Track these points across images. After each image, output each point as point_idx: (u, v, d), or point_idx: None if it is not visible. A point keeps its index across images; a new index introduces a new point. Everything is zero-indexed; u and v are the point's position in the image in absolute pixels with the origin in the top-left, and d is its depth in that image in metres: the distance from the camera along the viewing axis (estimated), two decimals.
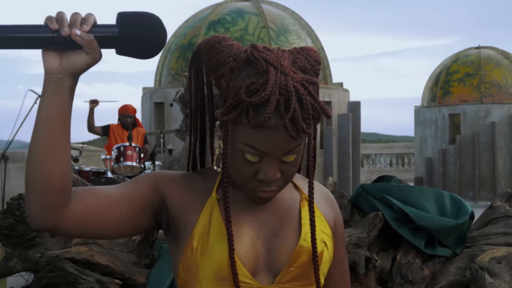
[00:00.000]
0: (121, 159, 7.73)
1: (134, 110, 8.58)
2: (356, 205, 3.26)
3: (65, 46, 1.17)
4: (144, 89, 13.29)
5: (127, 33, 1.17)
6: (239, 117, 1.20)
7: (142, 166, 7.81)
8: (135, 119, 8.60)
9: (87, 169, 7.93)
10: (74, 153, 8.66)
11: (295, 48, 1.30)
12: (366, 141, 32.28)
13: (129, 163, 7.73)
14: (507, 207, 3.27)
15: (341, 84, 13.08)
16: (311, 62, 1.28)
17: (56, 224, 1.22)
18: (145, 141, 8.56)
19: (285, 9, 13.19)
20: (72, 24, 1.16)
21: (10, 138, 7.28)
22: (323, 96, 11.89)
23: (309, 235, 1.31)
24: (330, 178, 3.34)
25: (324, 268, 1.35)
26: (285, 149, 1.22)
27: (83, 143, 9.27)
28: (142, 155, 7.92)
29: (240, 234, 1.29)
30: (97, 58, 1.19)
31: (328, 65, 12.76)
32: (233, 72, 1.23)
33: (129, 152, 7.74)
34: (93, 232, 1.28)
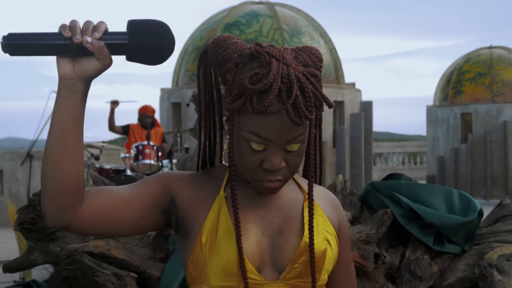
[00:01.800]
0: (140, 157, 7.82)
1: (153, 111, 8.72)
2: (366, 202, 3.26)
3: (77, 52, 1.21)
4: (162, 89, 13.41)
5: (136, 40, 1.20)
6: (244, 106, 1.23)
7: (160, 164, 7.88)
8: (154, 119, 8.72)
9: (107, 167, 8.04)
10: (95, 151, 8.84)
11: (298, 46, 1.33)
12: (379, 140, 32.13)
13: (147, 161, 7.82)
14: None
15: (353, 84, 13.08)
16: (313, 59, 1.31)
17: (69, 223, 1.27)
18: (163, 140, 8.67)
19: (298, 11, 13.19)
20: (84, 32, 1.20)
21: (35, 137, 7.38)
22: (335, 96, 11.90)
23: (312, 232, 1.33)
24: (340, 175, 3.37)
25: (328, 266, 1.37)
26: (288, 136, 1.24)
27: (103, 142, 9.44)
28: (160, 154, 8.01)
29: (246, 231, 1.32)
30: (107, 64, 1.22)
31: (340, 66, 12.74)
32: (238, 66, 1.27)
33: (147, 151, 7.84)
34: (105, 231, 1.32)
